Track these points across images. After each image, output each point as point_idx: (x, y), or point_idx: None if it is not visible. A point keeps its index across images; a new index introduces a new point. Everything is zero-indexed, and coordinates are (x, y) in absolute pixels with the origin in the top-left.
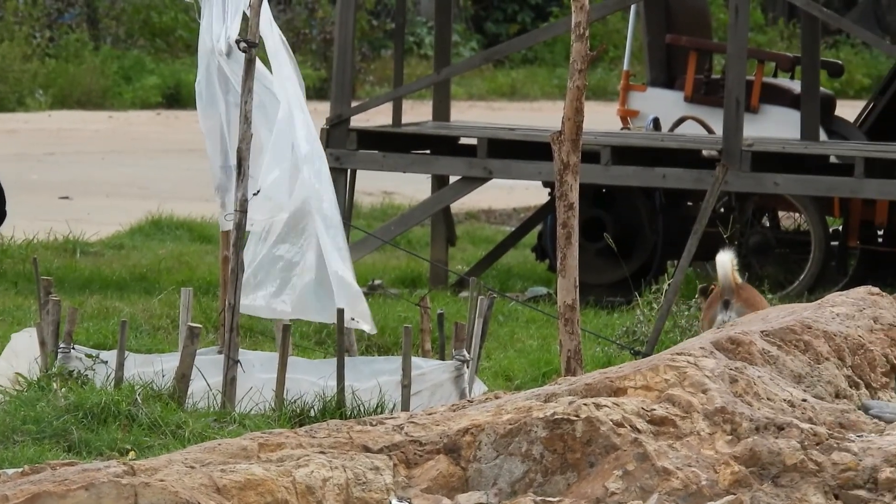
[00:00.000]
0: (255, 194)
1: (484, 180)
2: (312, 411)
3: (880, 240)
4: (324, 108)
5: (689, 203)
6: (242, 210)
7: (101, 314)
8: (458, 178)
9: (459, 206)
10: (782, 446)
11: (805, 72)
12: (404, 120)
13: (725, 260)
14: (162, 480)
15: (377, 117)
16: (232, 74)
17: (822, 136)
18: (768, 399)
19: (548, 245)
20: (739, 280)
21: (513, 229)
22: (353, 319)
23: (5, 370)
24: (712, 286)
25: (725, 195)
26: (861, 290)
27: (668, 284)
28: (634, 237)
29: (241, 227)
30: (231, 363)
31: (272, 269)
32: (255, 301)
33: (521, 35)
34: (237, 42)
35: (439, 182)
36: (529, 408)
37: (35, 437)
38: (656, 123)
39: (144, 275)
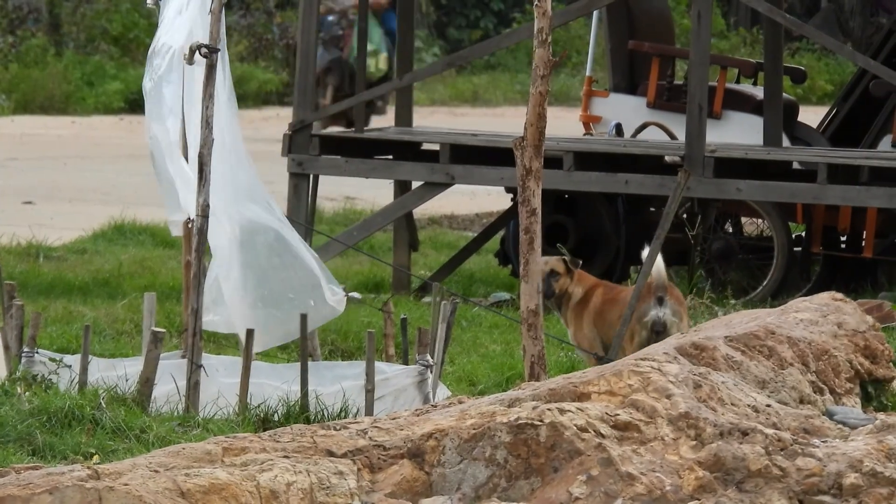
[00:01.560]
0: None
1: (446, 186)
2: (276, 416)
3: (843, 245)
4: (286, 114)
5: (652, 209)
6: (204, 215)
7: (65, 319)
8: (421, 183)
9: (422, 211)
10: (746, 452)
11: (768, 78)
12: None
13: (660, 260)
14: (126, 484)
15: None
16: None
17: (785, 141)
18: (732, 404)
19: (510, 250)
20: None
21: (475, 235)
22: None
23: None
24: (576, 263)
25: (688, 201)
26: (825, 296)
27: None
28: (597, 243)
29: (202, 232)
30: (194, 367)
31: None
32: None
33: (483, 41)
34: (198, 48)
35: (402, 187)
36: (493, 413)
37: None
38: (619, 129)
39: (107, 280)
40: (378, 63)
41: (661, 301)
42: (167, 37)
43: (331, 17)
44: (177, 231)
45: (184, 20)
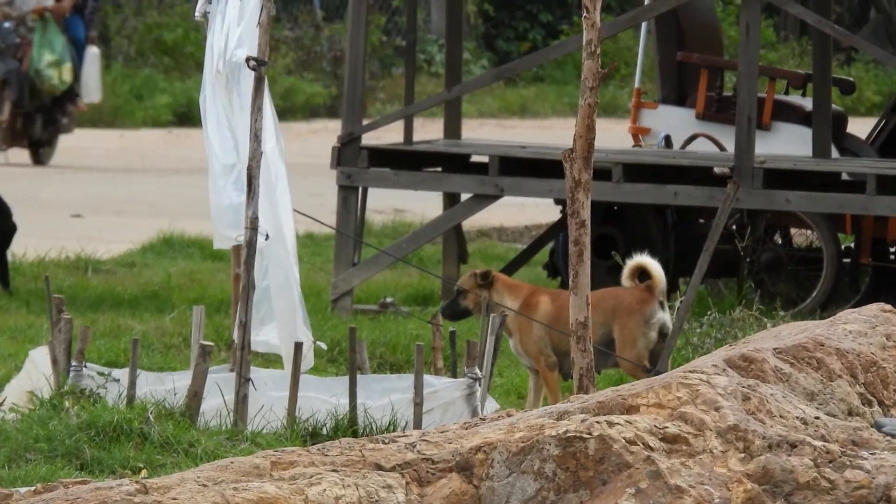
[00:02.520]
0: (266, 238)
1: (495, 198)
2: (324, 429)
3: (892, 256)
4: (335, 126)
5: (701, 220)
6: (253, 228)
7: (113, 332)
8: (470, 195)
9: (471, 223)
10: (795, 464)
11: (817, 89)
12: (415, 138)
13: (659, 265)
14: (174, 499)
15: (388, 135)
16: (228, 93)
17: (834, 153)
18: (781, 417)
19: (559, 262)
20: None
21: (524, 247)
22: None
23: (23, 385)
24: (491, 272)
25: (737, 212)
26: (873, 307)
27: (680, 302)
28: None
29: (251, 244)
30: (242, 381)
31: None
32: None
33: (532, 53)
34: (247, 61)
35: (451, 200)
36: (542, 426)
37: (47, 456)
38: (668, 141)
39: (156, 293)
40: (62, 74)
41: (662, 305)
42: (216, 49)
43: (7, 24)
44: (221, 244)
45: (232, 32)
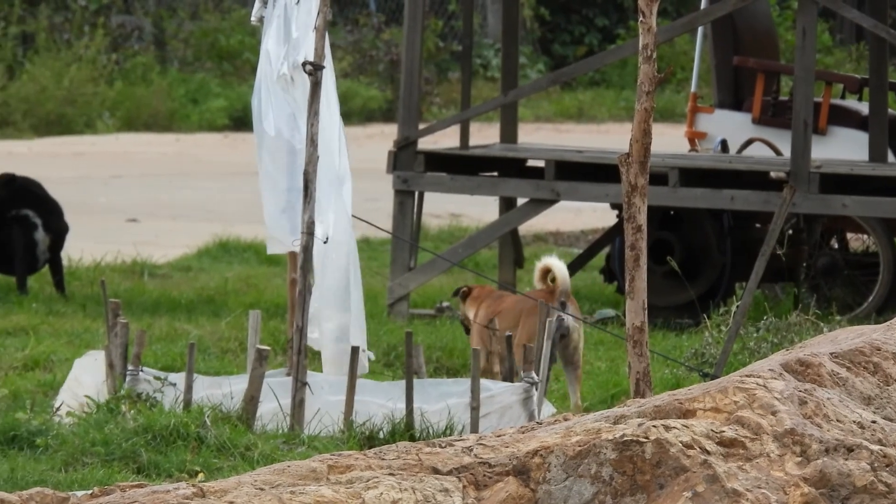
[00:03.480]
0: (324, 242)
1: (552, 202)
2: (381, 433)
3: None
4: (391, 131)
5: (758, 225)
6: (309, 232)
7: (170, 336)
8: (526, 200)
9: (527, 228)
10: (852, 468)
11: (873, 93)
12: (471, 142)
13: (563, 266)
14: (231, 502)
15: (444, 140)
16: (287, 98)
17: (891, 157)
18: (837, 421)
19: (616, 267)
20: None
21: (581, 251)
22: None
23: (72, 394)
24: (465, 288)
25: (794, 217)
26: None
27: (737, 306)
28: (702, 259)
29: (307, 249)
30: (299, 385)
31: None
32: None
33: (588, 57)
34: (303, 65)
35: (507, 204)
36: (599, 430)
37: (104, 459)
38: (724, 145)
39: (212, 297)
40: None
41: (563, 306)
42: (272, 53)
43: None
44: (275, 249)
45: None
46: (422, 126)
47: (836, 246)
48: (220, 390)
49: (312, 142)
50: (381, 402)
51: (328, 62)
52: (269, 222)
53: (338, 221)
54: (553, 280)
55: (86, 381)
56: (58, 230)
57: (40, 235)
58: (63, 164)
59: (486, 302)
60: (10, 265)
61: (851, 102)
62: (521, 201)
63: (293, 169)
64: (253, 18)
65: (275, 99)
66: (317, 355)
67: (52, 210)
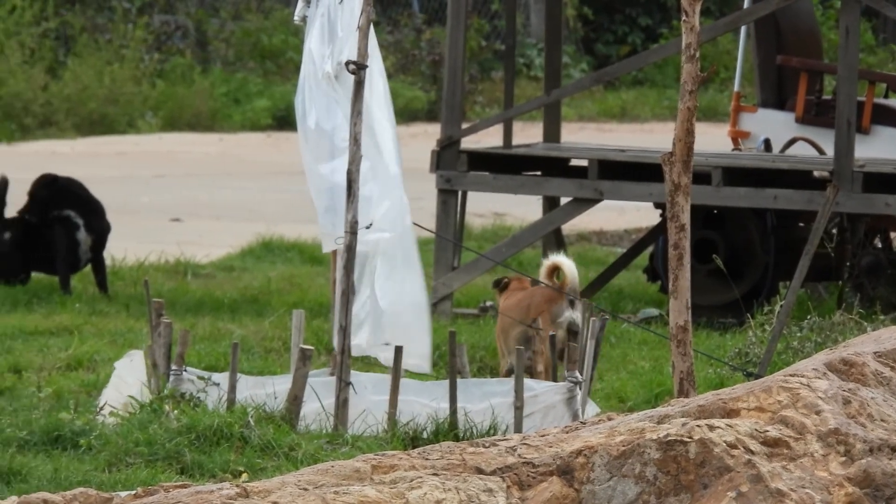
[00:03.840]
0: (367, 227)
1: (595, 202)
2: (425, 433)
3: None
4: (434, 130)
5: (801, 224)
6: (353, 232)
7: (213, 336)
8: (569, 199)
9: (570, 227)
10: None
11: None
12: (515, 141)
13: (572, 263)
14: (275, 502)
15: (487, 139)
16: (332, 96)
17: None
18: (882, 420)
19: (659, 266)
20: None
21: (624, 251)
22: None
23: (114, 395)
24: (505, 279)
25: (837, 216)
26: None
27: (781, 305)
28: (746, 258)
29: (351, 249)
30: (343, 385)
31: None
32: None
33: (631, 56)
34: (346, 64)
35: (550, 203)
36: (642, 429)
37: (148, 460)
38: (767, 144)
39: (256, 297)
40: None
41: (572, 304)
42: (316, 52)
43: None
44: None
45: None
46: (465, 125)
47: (879, 245)
48: (264, 390)
49: (356, 140)
50: (424, 401)
51: (377, 60)
52: (320, 220)
53: (396, 218)
54: (560, 278)
55: (128, 381)
56: (100, 230)
57: (82, 236)
58: (106, 163)
59: (506, 294)
60: (53, 265)
61: (894, 101)
62: (564, 200)
63: (335, 167)
64: (296, 18)
65: (318, 97)
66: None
67: (94, 210)
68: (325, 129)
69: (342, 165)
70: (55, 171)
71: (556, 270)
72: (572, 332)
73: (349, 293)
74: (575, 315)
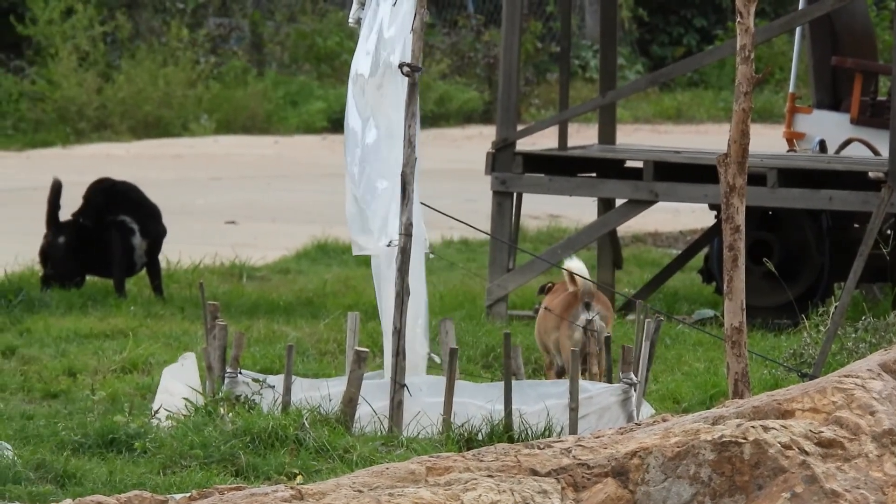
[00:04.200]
0: (388, 245)
1: (650, 203)
2: (480, 435)
3: None
4: (489, 132)
5: (856, 225)
6: (407, 234)
7: (268, 339)
8: (625, 201)
9: (626, 228)
10: None
11: None
12: (570, 143)
13: (582, 266)
14: None
15: (543, 141)
16: (362, 99)
17: None
18: None
19: (714, 268)
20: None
21: (679, 252)
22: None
23: (167, 400)
24: (549, 284)
25: (892, 217)
26: None
27: (835, 307)
28: (801, 259)
29: (406, 251)
30: (397, 387)
31: None
32: None
33: (686, 58)
34: (400, 66)
35: (605, 205)
36: (697, 430)
37: (202, 462)
38: (822, 146)
39: (311, 299)
40: None
41: (588, 306)
42: (363, 54)
43: None
44: (357, 251)
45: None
46: (520, 127)
47: None
48: (319, 392)
49: (410, 143)
50: (479, 403)
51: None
52: (349, 224)
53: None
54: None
55: (178, 384)
56: (155, 234)
57: (137, 240)
58: (161, 166)
59: (549, 297)
60: (108, 269)
61: None
62: (619, 202)
63: (361, 169)
64: (351, 20)
65: (358, 99)
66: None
67: (149, 214)
68: (356, 132)
69: (365, 168)
70: (110, 174)
71: (571, 275)
72: (592, 332)
73: (403, 295)
74: (592, 315)
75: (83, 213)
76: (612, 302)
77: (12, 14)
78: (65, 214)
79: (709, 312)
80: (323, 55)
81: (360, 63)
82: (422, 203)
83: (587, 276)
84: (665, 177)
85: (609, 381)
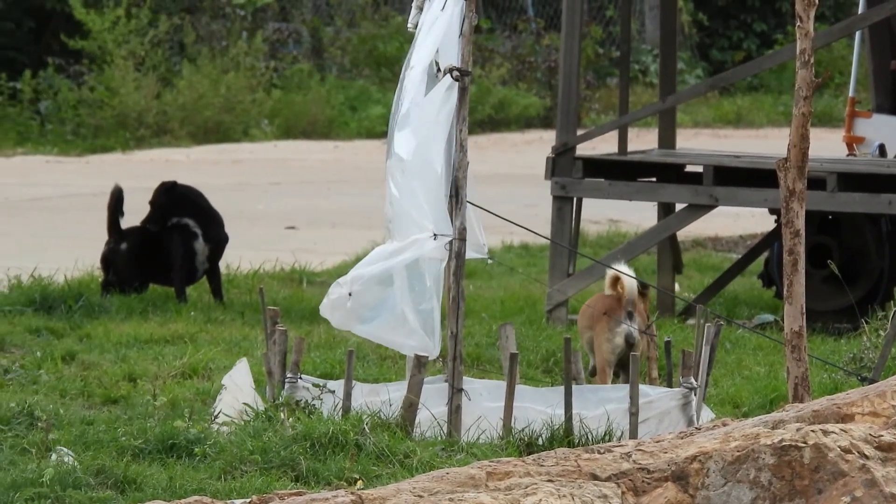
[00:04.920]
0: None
1: (710, 208)
2: (540, 439)
3: None
4: (549, 137)
5: None
6: (461, 238)
7: (328, 344)
8: (684, 205)
9: (685, 233)
10: None
11: None
12: (630, 148)
13: (632, 275)
14: None
15: (603, 145)
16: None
17: None
18: None
19: (774, 272)
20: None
21: (739, 256)
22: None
23: (228, 402)
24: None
25: None
26: None
27: (895, 310)
28: (861, 263)
29: (460, 255)
30: (455, 392)
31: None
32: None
33: (746, 62)
34: (450, 71)
35: (665, 210)
36: (757, 434)
37: (262, 467)
38: (882, 150)
39: None
40: None
41: (630, 315)
42: (415, 57)
43: None
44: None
45: (430, 40)
46: (580, 132)
47: None
48: (379, 397)
49: (462, 147)
50: (540, 408)
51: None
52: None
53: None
54: (622, 288)
55: (238, 390)
56: (217, 240)
57: (200, 245)
58: (222, 171)
59: (595, 297)
60: (170, 276)
61: None
62: (679, 207)
63: (388, 167)
64: (409, 25)
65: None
66: (475, 362)
67: (213, 220)
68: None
69: (394, 173)
70: (171, 179)
71: (617, 281)
72: (629, 343)
73: (459, 299)
74: (632, 327)
75: (151, 218)
76: (672, 305)
77: (68, 20)
78: (125, 221)
79: (769, 317)
80: (383, 60)
81: (412, 66)
82: (483, 208)
83: (636, 285)
84: (725, 181)
85: (669, 385)
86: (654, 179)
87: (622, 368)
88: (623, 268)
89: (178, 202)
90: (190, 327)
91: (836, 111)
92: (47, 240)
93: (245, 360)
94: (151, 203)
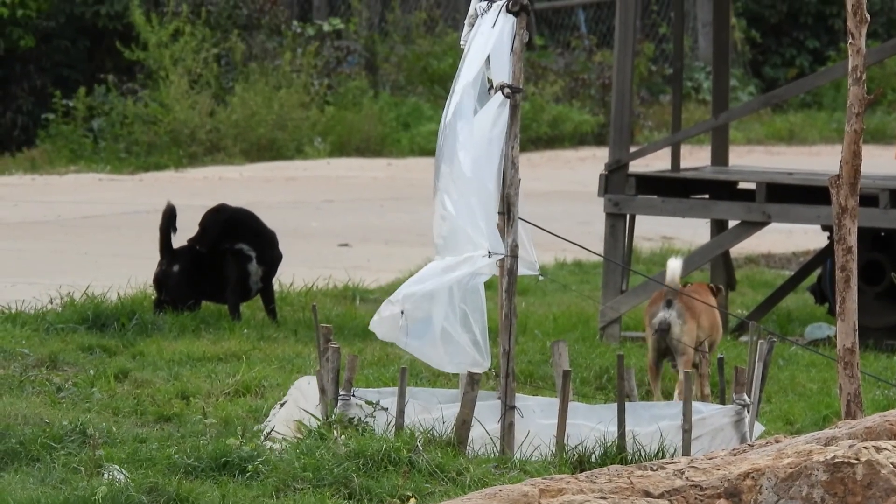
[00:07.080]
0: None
1: (763, 224)
2: (593, 457)
3: None
4: (603, 154)
5: None
6: (513, 255)
7: (381, 361)
8: (737, 222)
9: (739, 250)
10: None
11: None
12: (683, 164)
13: (676, 265)
14: None
15: (656, 162)
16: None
17: None
18: None
19: (827, 288)
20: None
21: (792, 273)
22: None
23: (290, 414)
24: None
25: None
26: None
27: None
28: None
29: (512, 272)
30: (508, 409)
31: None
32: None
33: (799, 79)
34: (501, 88)
35: (718, 226)
36: (810, 451)
37: (315, 485)
38: None
39: None
40: None
41: (669, 304)
42: (462, 74)
43: None
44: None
45: (479, 56)
46: (633, 149)
47: None
48: (432, 415)
49: (513, 164)
50: (592, 425)
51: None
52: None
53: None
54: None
55: (302, 398)
56: (271, 261)
57: (254, 267)
58: (275, 189)
59: (685, 300)
60: (224, 295)
61: None
62: (732, 223)
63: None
64: (462, 41)
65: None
66: (528, 379)
67: (265, 240)
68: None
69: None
70: (223, 197)
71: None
72: (661, 330)
73: (511, 316)
74: (667, 315)
75: (199, 240)
76: (724, 321)
77: (122, 37)
78: (179, 238)
79: (823, 326)
80: (436, 77)
81: (460, 84)
82: (535, 225)
83: (678, 274)
84: (778, 198)
85: (722, 402)
86: (706, 196)
87: (662, 357)
88: (674, 260)
89: (231, 229)
90: (243, 345)
91: (888, 128)
92: (100, 258)
93: (309, 377)
94: (201, 225)
